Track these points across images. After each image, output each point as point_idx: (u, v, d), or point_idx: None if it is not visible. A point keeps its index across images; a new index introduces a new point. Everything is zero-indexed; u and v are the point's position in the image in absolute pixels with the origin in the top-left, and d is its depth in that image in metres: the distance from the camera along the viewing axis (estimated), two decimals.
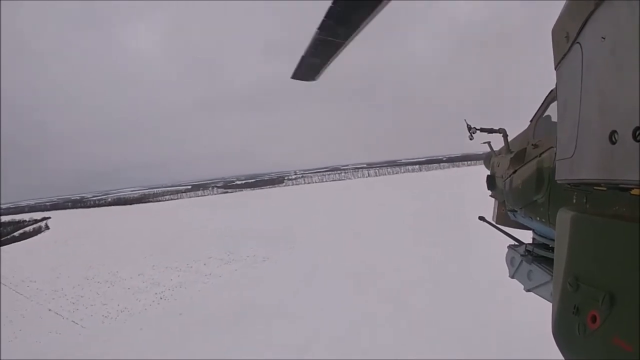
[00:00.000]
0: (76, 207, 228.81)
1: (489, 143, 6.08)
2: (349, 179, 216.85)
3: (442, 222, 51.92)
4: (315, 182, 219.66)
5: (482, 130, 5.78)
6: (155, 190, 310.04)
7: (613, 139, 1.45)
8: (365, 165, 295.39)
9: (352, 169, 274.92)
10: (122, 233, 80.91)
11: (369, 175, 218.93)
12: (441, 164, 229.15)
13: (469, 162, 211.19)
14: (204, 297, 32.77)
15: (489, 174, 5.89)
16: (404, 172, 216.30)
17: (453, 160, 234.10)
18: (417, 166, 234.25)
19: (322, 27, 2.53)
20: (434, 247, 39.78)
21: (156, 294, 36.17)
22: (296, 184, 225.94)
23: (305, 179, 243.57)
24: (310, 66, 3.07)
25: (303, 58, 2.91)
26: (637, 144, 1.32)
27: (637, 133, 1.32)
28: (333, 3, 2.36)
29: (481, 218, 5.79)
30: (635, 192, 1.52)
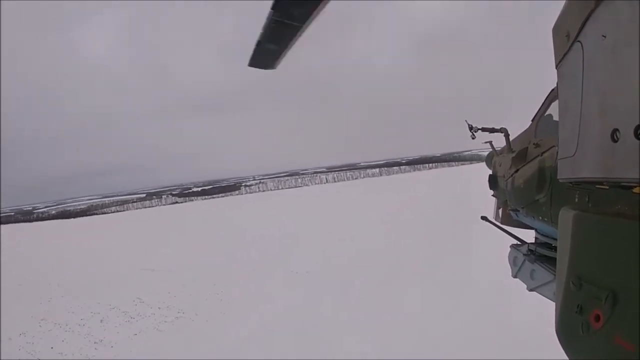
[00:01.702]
0: (19, 221, 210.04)
1: (490, 142, 6.10)
2: (307, 185, 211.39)
3: (428, 226, 47.62)
4: (273, 190, 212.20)
5: (483, 129, 5.76)
6: (105, 200, 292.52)
7: (615, 137, 1.46)
8: (324, 169, 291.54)
9: (312, 173, 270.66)
10: (37, 261, 68.13)
11: (327, 181, 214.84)
12: (401, 167, 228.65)
13: (430, 165, 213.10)
14: None
15: (491, 173, 5.92)
16: (364, 176, 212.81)
17: (412, 163, 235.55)
18: (377, 169, 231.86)
19: (276, 7, 2.31)
20: (434, 255, 35.62)
21: None
22: (254, 192, 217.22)
23: (264, 185, 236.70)
24: (268, 53, 2.75)
25: (259, 43, 2.63)
26: (639, 142, 1.33)
27: (639, 131, 1.33)
28: None
29: (484, 218, 5.74)
30: (637, 190, 1.54)
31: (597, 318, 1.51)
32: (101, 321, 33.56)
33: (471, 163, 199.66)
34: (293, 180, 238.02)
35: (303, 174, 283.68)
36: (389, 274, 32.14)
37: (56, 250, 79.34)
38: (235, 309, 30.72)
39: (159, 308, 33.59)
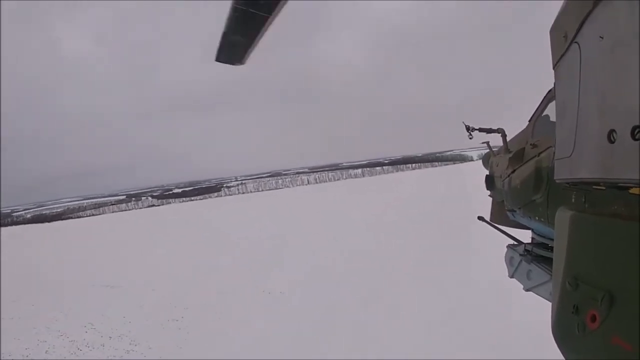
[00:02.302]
0: None
1: (487, 143, 6.12)
2: (288, 187, 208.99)
3: (414, 227, 46.85)
4: (253, 192, 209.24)
5: (480, 130, 5.80)
6: (84, 202, 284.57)
7: (612, 138, 1.47)
8: (307, 170, 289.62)
9: (294, 173, 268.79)
10: None
11: (309, 182, 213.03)
12: (384, 167, 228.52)
13: (413, 166, 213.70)
14: None
15: (488, 173, 5.92)
16: (347, 177, 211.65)
17: (394, 163, 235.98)
18: (359, 170, 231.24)
19: None
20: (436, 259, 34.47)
21: None
22: (235, 194, 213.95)
23: (246, 186, 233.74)
24: (235, 46, 2.53)
25: (224, 35, 2.41)
26: (636, 142, 1.34)
27: (636, 132, 1.34)
28: None
29: (480, 218, 5.75)
30: (633, 191, 1.54)
31: (593, 318, 1.52)
32: (46, 352, 30.26)
33: (454, 163, 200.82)
34: (274, 182, 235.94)
35: (285, 174, 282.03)
36: (381, 274, 31.69)
37: (15, 262, 74.96)
38: (195, 340, 27.90)
39: (110, 337, 30.36)
